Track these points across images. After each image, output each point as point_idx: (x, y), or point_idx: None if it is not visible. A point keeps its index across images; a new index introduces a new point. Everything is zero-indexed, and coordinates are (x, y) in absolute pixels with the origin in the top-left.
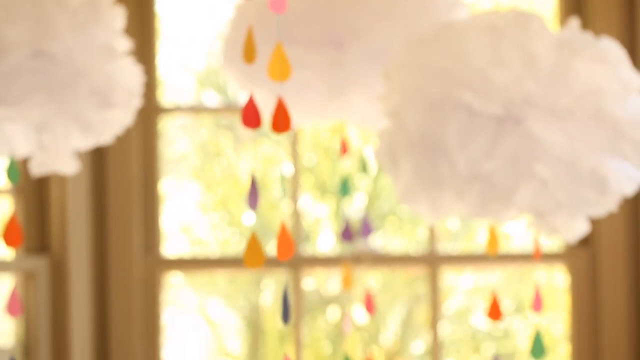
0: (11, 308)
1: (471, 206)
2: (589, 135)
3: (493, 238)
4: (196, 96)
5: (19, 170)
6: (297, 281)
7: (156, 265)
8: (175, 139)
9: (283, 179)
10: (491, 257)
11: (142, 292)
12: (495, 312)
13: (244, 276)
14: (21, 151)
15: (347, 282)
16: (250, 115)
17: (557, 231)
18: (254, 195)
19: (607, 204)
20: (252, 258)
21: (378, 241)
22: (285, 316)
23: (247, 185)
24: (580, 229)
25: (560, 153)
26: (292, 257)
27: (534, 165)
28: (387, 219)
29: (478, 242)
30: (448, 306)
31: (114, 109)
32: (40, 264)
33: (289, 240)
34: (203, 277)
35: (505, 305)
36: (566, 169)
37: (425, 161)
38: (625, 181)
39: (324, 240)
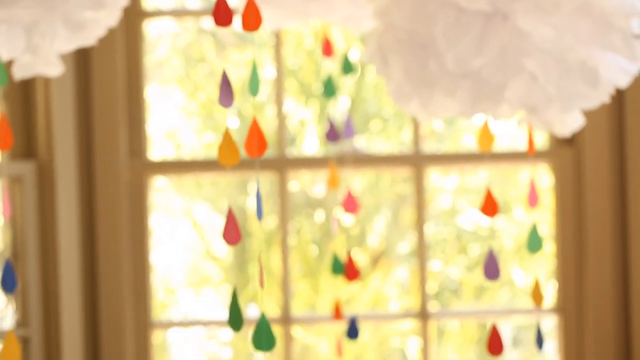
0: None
1: (463, 104)
2: (577, 28)
3: (486, 133)
4: (179, 2)
5: (6, 73)
6: (282, 183)
7: (142, 169)
8: (158, 45)
9: (252, 80)
10: (478, 155)
11: (128, 196)
12: (490, 208)
13: (229, 180)
14: (6, 54)
15: (332, 183)
16: (221, 14)
17: (551, 126)
18: (225, 92)
19: (599, 96)
20: (226, 156)
21: (362, 143)
22: (259, 214)
23: (219, 84)
24: (574, 122)
25: (549, 47)
26: (277, 159)
27: (524, 60)
28: (371, 121)
29: (463, 143)
30: (434, 207)
31: (104, 9)
32: (26, 169)
33: (260, 135)
34: (189, 181)
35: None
36: (556, 62)
37: (414, 60)
38: (617, 73)
39: (309, 143)
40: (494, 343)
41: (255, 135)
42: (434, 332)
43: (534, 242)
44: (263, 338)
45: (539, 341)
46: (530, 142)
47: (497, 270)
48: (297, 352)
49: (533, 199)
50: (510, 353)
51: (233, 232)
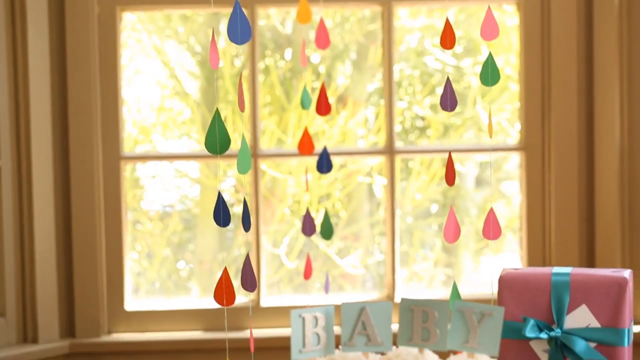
0: None
1: None
2: None
3: None
4: None
5: None
6: (252, 19)
7: (113, 4)
8: None
9: None
10: None
11: (99, 32)
12: (449, 40)
13: (200, 17)
14: None
15: (302, 17)
16: None
17: None
18: None
19: None
20: None
21: None
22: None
23: None
24: None
25: None
26: None
27: None
28: None
29: None
30: (401, 46)
31: None
32: None
33: None
34: (159, 19)
35: (457, 42)
36: None
37: None
38: None
39: None
40: (450, 174)
41: None
42: (399, 170)
43: (490, 74)
44: (245, 162)
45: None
46: None
47: (454, 101)
48: (266, 188)
49: (490, 32)
50: (475, 194)
51: (214, 57)
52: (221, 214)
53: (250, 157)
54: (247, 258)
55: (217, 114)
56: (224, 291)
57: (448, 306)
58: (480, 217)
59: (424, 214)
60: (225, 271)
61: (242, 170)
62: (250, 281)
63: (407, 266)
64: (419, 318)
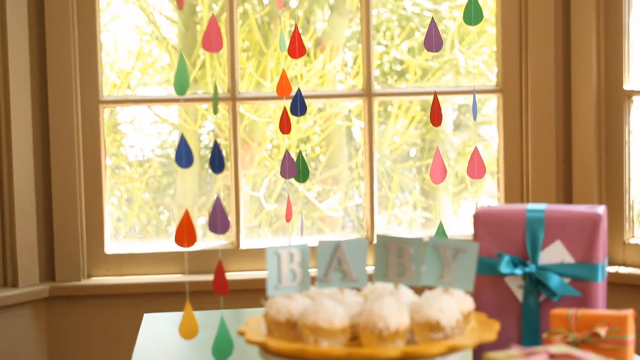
0: None
1: None
2: None
3: None
4: None
5: None
6: None
7: None
8: None
9: None
10: None
11: None
12: None
13: None
14: None
15: None
16: None
17: None
18: None
19: None
20: None
21: None
22: None
23: None
24: None
25: None
26: None
27: None
28: None
29: None
30: None
31: None
32: None
33: None
34: None
35: None
36: None
37: None
38: None
39: None
40: (436, 114)
41: None
42: (378, 113)
43: (473, 13)
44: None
45: (474, 112)
46: None
47: (439, 42)
48: (245, 132)
49: None
50: (453, 137)
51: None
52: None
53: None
54: (217, 200)
55: (181, 55)
56: (184, 233)
57: (423, 243)
58: (459, 161)
59: (402, 157)
60: (186, 213)
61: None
62: (221, 223)
63: (386, 210)
64: (394, 254)
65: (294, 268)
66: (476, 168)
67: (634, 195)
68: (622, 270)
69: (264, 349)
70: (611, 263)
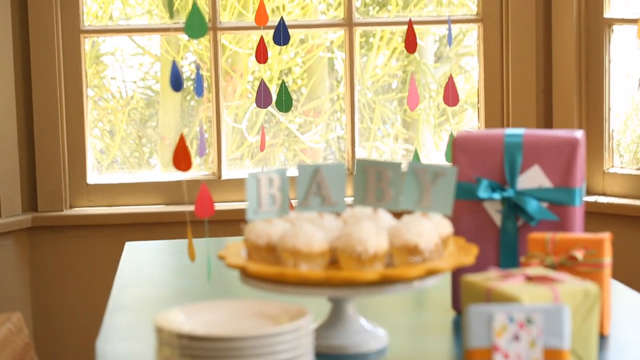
0: None
1: None
2: None
3: None
4: None
5: None
6: None
7: None
8: None
9: None
10: None
11: None
12: None
13: None
14: None
15: None
16: None
17: None
18: None
19: None
20: None
21: None
22: None
23: None
24: None
25: None
26: None
27: None
28: None
29: None
30: None
31: None
32: None
33: None
34: None
35: None
36: None
37: None
38: None
39: None
40: (410, 41)
41: None
42: (359, 44)
43: None
44: (195, 25)
45: (449, 38)
46: None
47: None
48: (227, 64)
49: None
50: (434, 69)
51: None
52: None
53: (205, 22)
54: (200, 125)
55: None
56: (181, 157)
57: (402, 167)
58: (440, 92)
59: (384, 89)
60: (182, 138)
61: (191, 35)
62: (200, 147)
63: (367, 141)
64: (373, 178)
65: (273, 193)
66: (451, 96)
67: (613, 124)
68: (601, 199)
69: (244, 272)
70: (590, 193)
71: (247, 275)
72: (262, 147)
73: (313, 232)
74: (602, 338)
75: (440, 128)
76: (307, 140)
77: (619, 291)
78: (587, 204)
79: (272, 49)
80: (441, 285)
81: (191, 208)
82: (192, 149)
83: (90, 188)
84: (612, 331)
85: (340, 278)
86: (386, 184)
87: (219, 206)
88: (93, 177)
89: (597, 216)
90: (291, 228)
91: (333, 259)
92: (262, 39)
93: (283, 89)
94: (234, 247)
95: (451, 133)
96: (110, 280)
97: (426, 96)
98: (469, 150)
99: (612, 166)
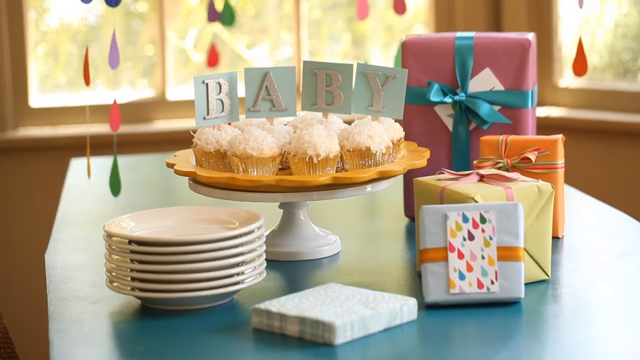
0: None
1: None
2: None
3: None
4: None
5: None
6: None
7: None
8: None
9: None
10: None
11: None
12: None
13: None
14: None
15: None
16: None
17: None
18: None
19: None
20: None
21: None
22: None
23: None
24: None
25: None
26: None
27: None
28: None
29: None
30: None
31: None
32: None
33: None
34: None
35: None
36: None
37: None
38: None
39: None
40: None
41: None
42: None
43: None
44: None
45: None
46: None
47: None
48: None
49: None
50: None
51: None
52: None
53: None
54: (113, 35)
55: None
56: (87, 72)
57: (352, 69)
58: (389, 8)
59: (332, 5)
60: (87, 52)
61: None
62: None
63: (315, 59)
64: (322, 82)
65: (222, 98)
66: (400, 4)
67: (564, 37)
68: (554, 112)
69: (194, 180)
70: (542, 105)
71: (197, 182)
72: (211, 62)
73: (263, 136)
74: (556, 240)
75: (389, 47)
76: (254, 59)
77: (572, 195)
78: (539, 118)
79: None
80: (394, 193)
81: (127, 130)
82: (140, 70)
83: (34, 111)
84: (566, 233)
85: (291, 182)
86: (336, 87)
87: (164, 125)
88: (37, 99)
89: (549, 130)
90: (241, 134)
91: (285, 165)
92: None
93: (227, 5)
94: (182, 155)
95: (400, 39)
96: (58, 199)
97: (374, 15)
98: (419, 54)
99: (562, 77)
